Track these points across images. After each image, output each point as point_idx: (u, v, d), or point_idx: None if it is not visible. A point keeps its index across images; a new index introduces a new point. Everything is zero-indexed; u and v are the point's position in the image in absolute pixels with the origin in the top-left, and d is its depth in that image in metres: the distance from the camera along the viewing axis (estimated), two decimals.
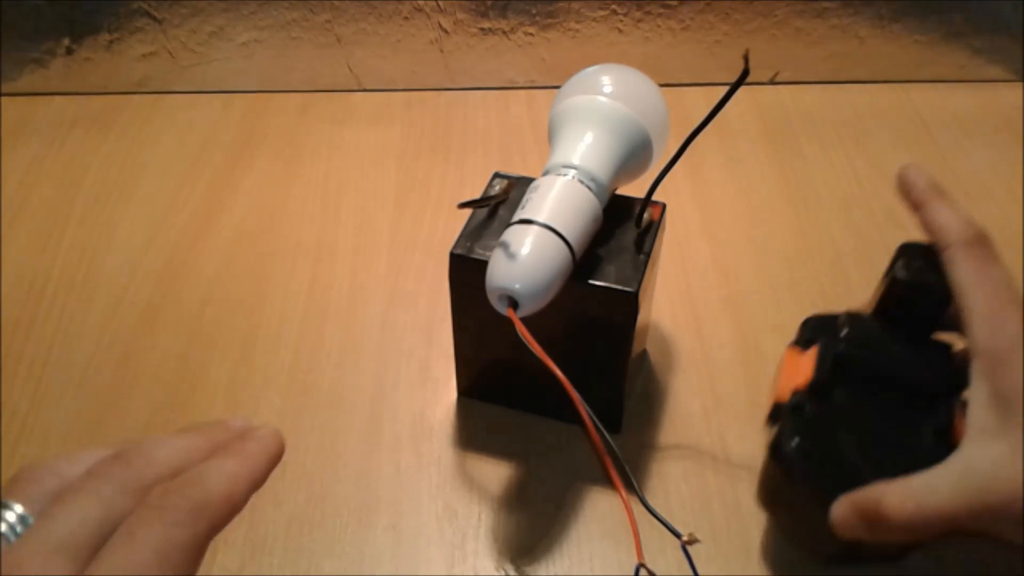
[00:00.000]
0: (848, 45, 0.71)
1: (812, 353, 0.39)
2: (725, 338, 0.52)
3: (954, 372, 0.36)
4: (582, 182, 0.40)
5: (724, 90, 0.37)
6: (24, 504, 0.26)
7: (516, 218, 0.39)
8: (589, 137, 0.42)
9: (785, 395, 0.39)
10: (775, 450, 0.38)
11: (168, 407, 0.49)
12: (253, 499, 0.44)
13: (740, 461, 0.46)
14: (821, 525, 0.36)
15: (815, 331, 0.40)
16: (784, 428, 0.38)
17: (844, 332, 0.38)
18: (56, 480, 0.27)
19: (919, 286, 0.37)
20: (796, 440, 0.37)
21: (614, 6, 0.69)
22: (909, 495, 0.32)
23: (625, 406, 0.47)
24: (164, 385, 0.50)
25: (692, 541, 0.35)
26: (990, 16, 0.69)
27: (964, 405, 0.34)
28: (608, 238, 0.42)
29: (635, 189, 0.44)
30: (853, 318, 0.38)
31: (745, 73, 0.35)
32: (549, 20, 0.70)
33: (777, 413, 0.39)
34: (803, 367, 0.39)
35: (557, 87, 0.46)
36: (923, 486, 0.32)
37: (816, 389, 0.38)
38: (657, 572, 0.37)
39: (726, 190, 0.63)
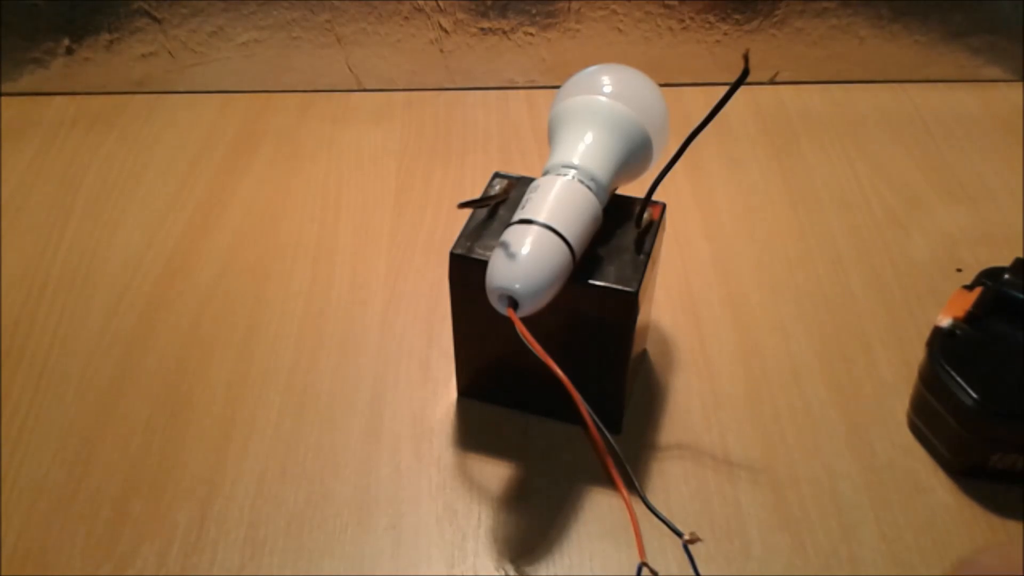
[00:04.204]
0: (848, 45, 0.71)
1: (977, 291, 0.46)
2: (725, 338, 0.52)
3: None
4: (582, 182, 0.40)
5: (724, 90, 0.37)
6: None
7: (516, 218, 0.39)
8: (589, 137, 0.42)
9: (944, 322, 0.46)
10: (923, 365, 0.45)
11: (168, 407, 0.49)
12: (253, 499, 0.44)
13: (740, 461, 0.46)
14: (957, 439, 0.44)
15: (986, 276, 0.47)
16: (935, 347, 0.45)
17: (1008, 273, 0.46)
18: None
19: None
20: (943, 357, 0.44)
21: (614, 6, 0.69)
22: None
23: (625, 406, 0.47)
24: (164, 385, 0.50)
25: (694, 540, 0.35)
26: (990, 16, 0.69)
27: None
28: (608, 238, 0.42)
29: (635, 189, 0.44)
30: (1020, 262, 0.47)
31: (745, 73, 0.35)
32: (549, 20, 0.70)
33: (935, 336, 0.46)
34: (966, 301, 0.46)
35: (557, 87, 0.46)
36: None
37: (971, 318, 0.45)
38: (658, 572, 0.37)
39: (726, 190, 0.63)
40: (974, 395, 0.42)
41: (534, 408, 0.48)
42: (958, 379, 0.43)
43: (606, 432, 0.37)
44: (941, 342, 0.45)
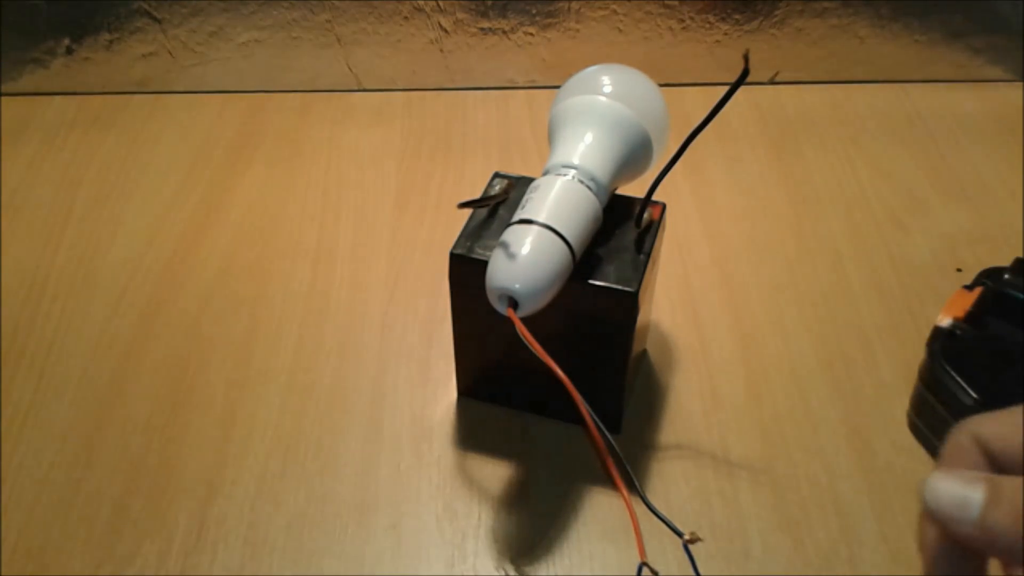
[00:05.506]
0: (848, 45, 0.71)
1: (977, 291, 0.46)
2: (725, 338, 0.52)
3: None
4: (582, 182, 0.40)
5: (724, 90, 0.37)
6: None
7: (516, 218, 0.39)
8: (589, 137, 0.42)
9: (944, 322, 0.46)
10: (923, 365, 0.46)
11: (168, 407, 0.49)
12: (253, 499, 0.44)
13: (740, 461, 0.46)
14: None
15: (986, 276, 0.47)
16: (935, 347, 0.45)
17: (1008, 273, 0.46)
18: None
19: None
20: (943, 357, 0.44)
21: (614, 6, 0.69)
22: None
23: (625, 406, 0.47)
24: (164, 385, 0.50)
25: (694, 540, 0.35)
26: (990, 16, 0.69)
27: None
28: (608, 238, 0.42)
29: (635, 189, 0.44)
30: (1020, 262, 0.46)
31: (745, 73, 0.35)
32: (549, 20, 0.70)
33: (935, 336, 0.46)
34: (966, 301, 0.46)
35: (557, 87, 0.46)
36: None
37: (971, 318, 0.45)
38: (658, 572, 0.37)
39: (726, 190, 0.63)
40: (974, 395, 0.42)
41: (534, 408, 0.48)
42: (958, 379, 0.43)
43: (606, 432, 0.37)
44: (941, 342, 0.45)
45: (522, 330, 0.37)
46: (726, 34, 0.70)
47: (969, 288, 0.48)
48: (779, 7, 0.69)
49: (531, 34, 0.70)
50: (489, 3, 0.69)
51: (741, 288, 0.55)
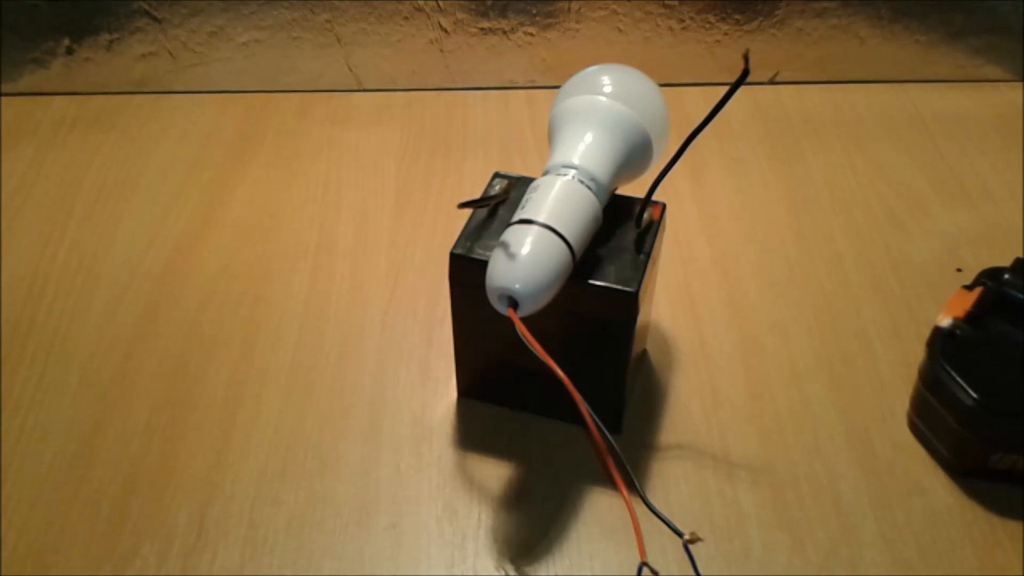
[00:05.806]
0: (848, 45, 0.71)
1: (977, 291, 0.46)
2: (725, 338, 0.52)
3: None
4: (582, 182, 0.40)
5: (724, 90, 0.37)
6: None
7: (516, 218, 0.39)
8: (589, 137, 0.42)
9: (944, 322, 0.46)
10: (923, 366, 0.46)
11: (168, 407, 0.49)
12: (253, 499, 0.44)
13: (740, 461, 0.46)
14: (957, 439, 0.44)
15: (986, 276, 0.47)
16: (935, 347, 0.45)
17: (1008, 273, 0.46)
18: None
19: None
20: (944, 357, 0.44)
21: (614, 6, 0.69)
22: None
23: (625, 406, 0.47)
24: (164, 385, 0.50)
25: (694, 540, 0.35)
26: (990, 16, 0.69)
27: None
28: (608, 238, 0.42)
29: (635, 189, 0.44)
30: (1020, 262, 0.46)
31: (745, 73, 0.35)
32: (549, 20, 0.70)
33: (935, 336, 0.46)
34: (966, 301, 0.46)
35: (557, 87, 0.46)
36: None
37: (971, 318, 0.45)
38: (658, 572, 0.37)
39: (726, 190, 0.63)
40: (974, 395, 0.42)
41: (534, 408, 0.48)
42: (958, 379, 0.43)
43: (606, 432, 0.37)
44: (941, 342, 0.45)
45: (522, 330, 0.37)
46: (726, 34, 0.70)
47: (969, 288, 0.48)
48: (779, 7, 0.69)
49: (531, 34, 0.70)
50: (489, 3, 0.69)
51: (741, 288, 0.55)
